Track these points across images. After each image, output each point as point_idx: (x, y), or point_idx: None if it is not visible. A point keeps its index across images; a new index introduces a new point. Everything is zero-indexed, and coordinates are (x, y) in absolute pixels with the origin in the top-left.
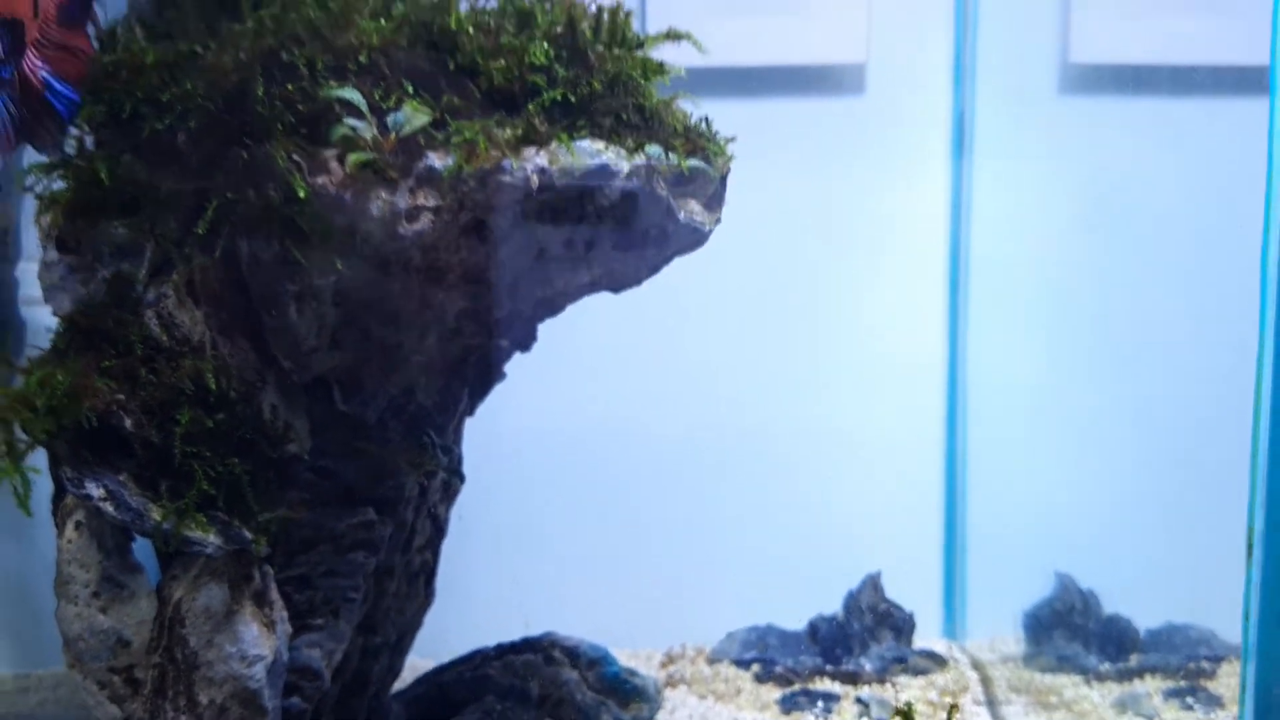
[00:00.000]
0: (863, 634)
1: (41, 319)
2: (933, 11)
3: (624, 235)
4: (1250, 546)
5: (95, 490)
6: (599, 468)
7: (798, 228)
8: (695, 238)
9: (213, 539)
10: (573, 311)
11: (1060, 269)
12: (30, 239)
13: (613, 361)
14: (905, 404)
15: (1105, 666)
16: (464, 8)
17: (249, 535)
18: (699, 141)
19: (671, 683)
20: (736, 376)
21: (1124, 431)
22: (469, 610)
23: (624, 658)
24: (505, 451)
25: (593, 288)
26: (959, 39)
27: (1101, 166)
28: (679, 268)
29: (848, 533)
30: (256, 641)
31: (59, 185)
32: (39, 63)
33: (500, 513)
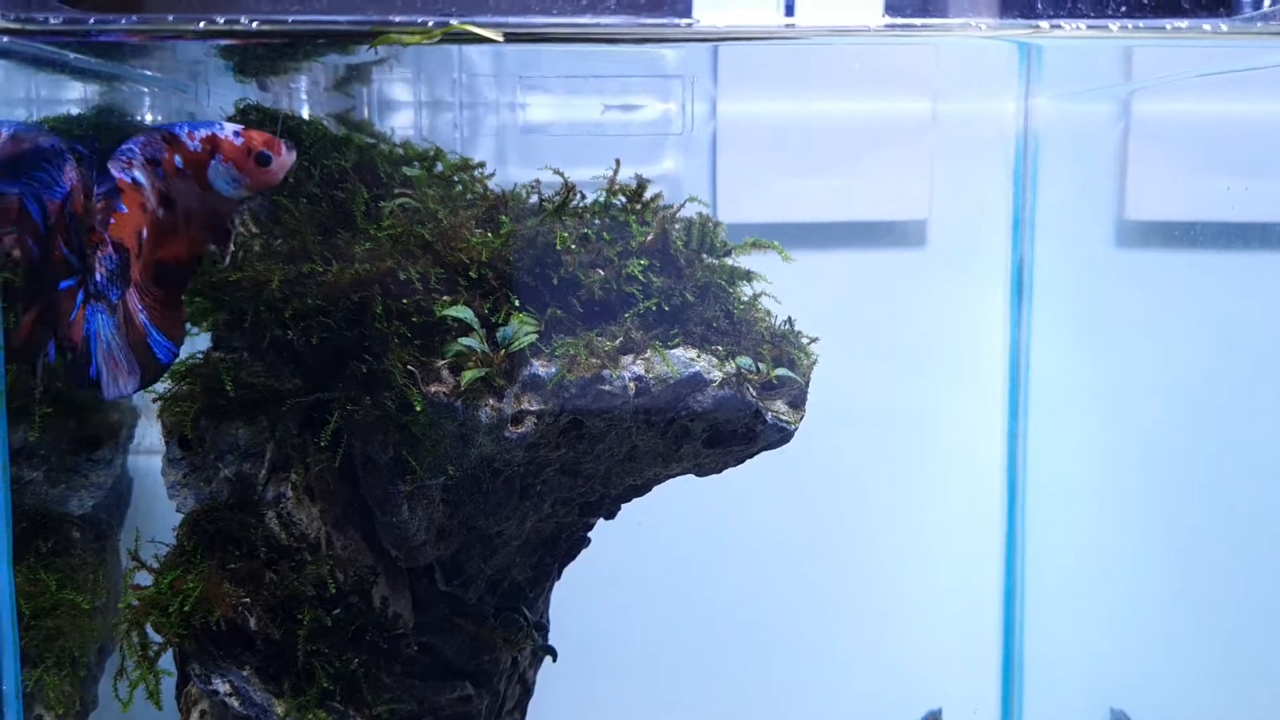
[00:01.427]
0: None
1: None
2: (991, 173)
3: (713, 435)
4: None
5: (222, 686)
6: (661, 610)
7: (866, 361)
8: (782, 436)
9: None
10: None
11: (1115, 410)
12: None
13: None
14: (964, 540)
15: None
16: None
17: None
18: (784, 347)
19: None
20: (795, 512)
21: (1182, 570)
22: None
23: None
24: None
25: (680, 475)
26: (1018, 197)
27: (1154, 313)
28: None
29: (908, 668)
30: None
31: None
32: (139, 306)
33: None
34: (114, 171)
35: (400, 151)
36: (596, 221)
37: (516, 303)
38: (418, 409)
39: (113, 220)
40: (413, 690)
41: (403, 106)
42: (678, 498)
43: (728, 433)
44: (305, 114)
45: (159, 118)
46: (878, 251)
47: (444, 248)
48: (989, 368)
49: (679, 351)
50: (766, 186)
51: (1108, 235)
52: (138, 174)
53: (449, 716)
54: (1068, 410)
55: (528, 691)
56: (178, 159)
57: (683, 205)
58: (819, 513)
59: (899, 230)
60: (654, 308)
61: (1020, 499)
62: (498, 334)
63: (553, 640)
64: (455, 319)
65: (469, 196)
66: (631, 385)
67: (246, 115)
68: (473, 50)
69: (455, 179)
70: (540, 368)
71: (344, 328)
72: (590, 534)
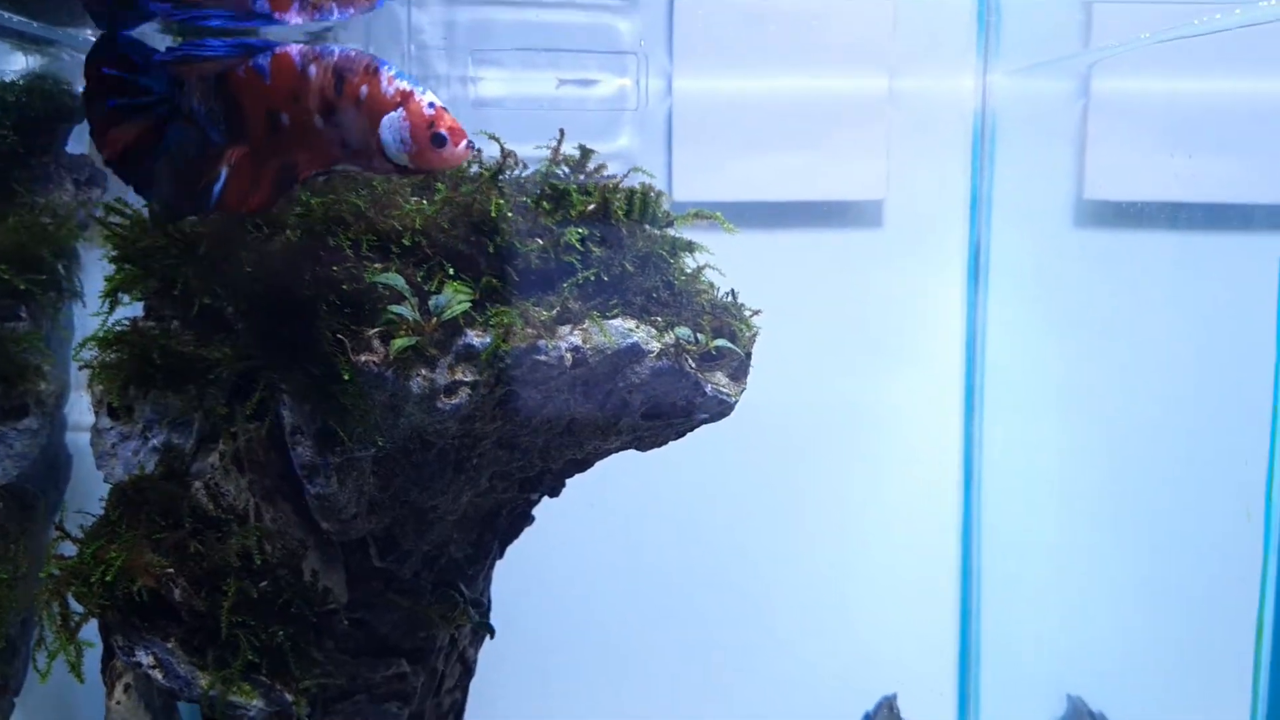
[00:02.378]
0: None
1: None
2: (949, 152)
3: (652, 407)
4: None
5: (145, 658)
6: (617, 591)
7: (821, 345)
8: (722, 408)
9: (256, 704)
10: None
11: (1071, 391)
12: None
13: (628, 482)
14: (921, 527)
15: None
16: (506, 175)
17: (290, 698)
18: (725, 319)
19: None
20: (752, 497)
21: (1138, 556)
22: None
23: None
24: (526, 577)
25: (622, 449)
26: (975, 176)
27: (1110, 293)
28: None
29: (865, 655)
30: None
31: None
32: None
33: (527, 634)
34: (292, 52)
35: None
36: (538, 191)
37: (451, 271)
38: (346, 378)
39: (243, 77)
40: (346, 666)
41: None
42: (634, 481)
43: (667, 405)
44: None
45: None
46: (834, 232)
47: (377, 215)
48: (946, 350)
49: (617, 322)
50: (722, 164)
51: (1066, 215)
52: (313, 68)
53: (384, 694)
54: (1024, 394)
55: (469, 670)
56: (364, 89)
57: (626, 176)
58: (776, 498)
59: (855, 210)
60: (593, 278)
61: (977, 484)
62: (430, 302)
63: (504, 621)
64: (386, 286)
65: None
66: (568, 356)
67: None
68: (423, 20)
69: None
70: (474, 338)
71: (274, 295)
72: (534, 511)
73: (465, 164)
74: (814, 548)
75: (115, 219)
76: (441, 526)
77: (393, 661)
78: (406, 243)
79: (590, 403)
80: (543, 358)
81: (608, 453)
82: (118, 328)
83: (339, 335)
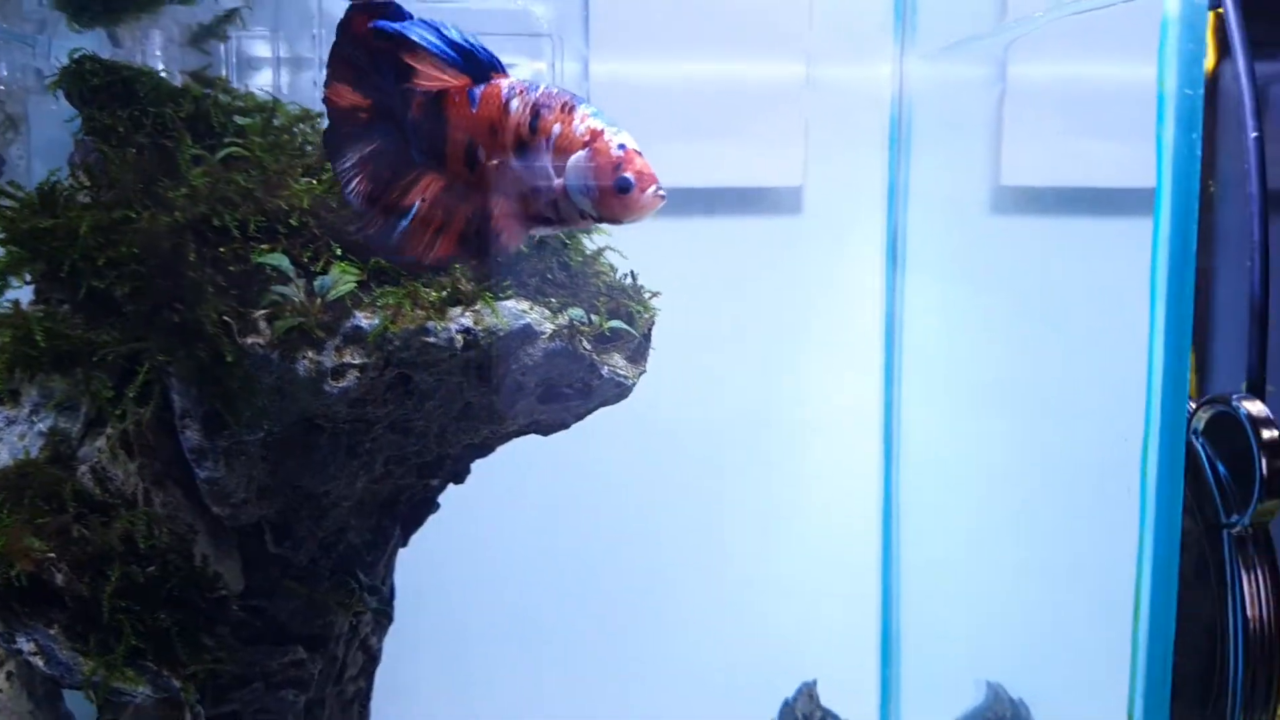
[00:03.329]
0: None
1: None
2: (867, 138)
3: (548, 390)
4: None
5: (26, 645)
6: (538, 579)
7: (740, 332)
8: (619, 390)
9: (142, 689)
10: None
11: (989, 376)
12: None
13: (542, 464)
14: (841, 514)
15: None
16: None
17: (178, 684)
18: (622, 301)
19: None
20: (668, 483)
21: (1049, 542)
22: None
23: None
24: (441, 563)
25: (520, 433)
26: (893, 162)
27: (1025, 279)
28: None
29: (785, 642)
30: None
31: None
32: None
33: (439, 624)
34: (502, 84)
35: (240, 104)
36: None
37: (339, 251)
38: (229, 360)
39: (455, 99)
40: (242, 654)
41: (264, 64)
42: (552, 470)
43: (563, 387)
44: (163, 72)
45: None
46: (753, 218)
47: (265, 195)
48: (866, 336)
49: (510, 303)
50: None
51: (983, 201)
52: (515, 103)
53: (281, 681)
54: (944, 380)
55: (373, 659)
56: (557, 126)
57: None
58: (695, 484)
59: (774, 197)
60: None
61: (897, 471)
62: (316, 283)
63: (417, 612)
64: (272, 267)
65: (308, 148)
66: (459, 337)
67: (81, 65)
68: (334, 4)
69: (295, 129)
70: (363, 319)
71: (158, 276)
72: (449, 500)
73: None
74: (734, 535)
75: (2, 201)
76: (337, 512)
77: (290, 649)
78: (294, 223)
79: (484, 385)
80: (432, 339)
81: (507, 437)
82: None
83: (225, 318)
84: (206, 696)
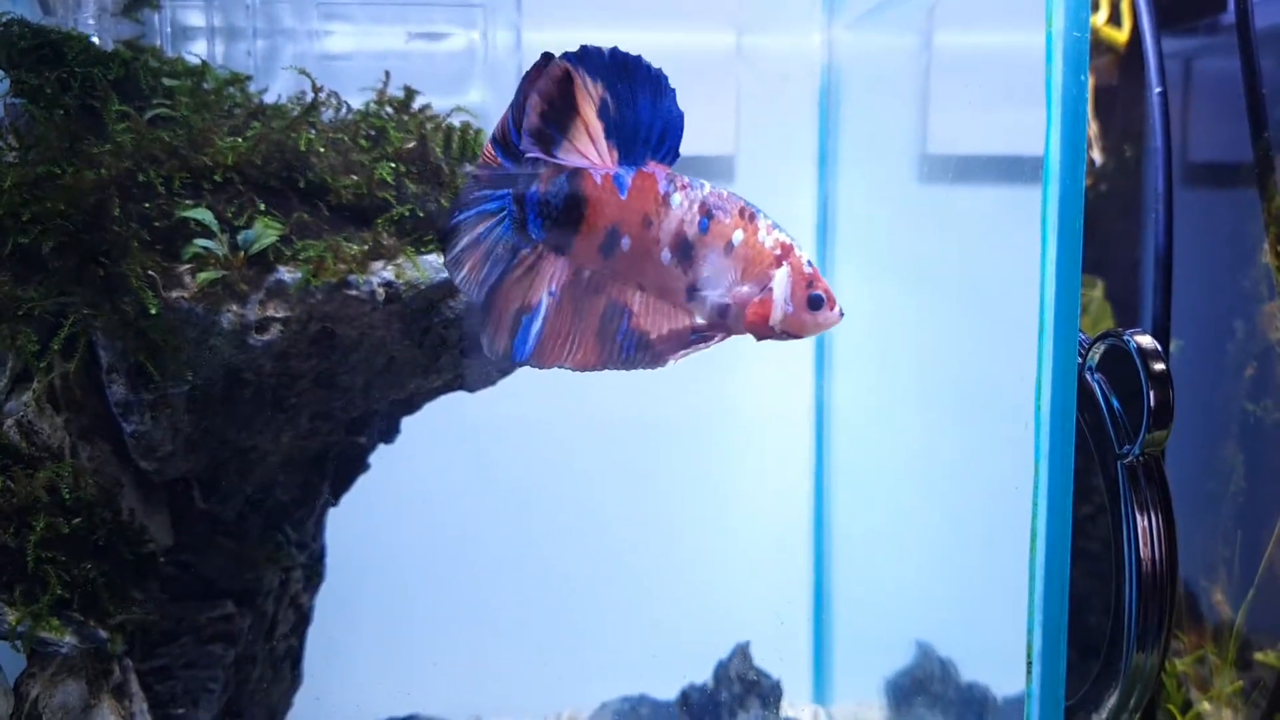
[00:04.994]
0: (731, 703)
1: None
2: (797, 107)
3: (472, 344)
4: (1030, 664)
5: None
6: (476, 542)
7: None
8: None
9: (68, 639)
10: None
11: (916, 344)
12: None
13: (484, 435)
14: (775, 477)
15: None
16: (327, 116)
17: (104, 635)
18: None
19: None
20: (605, 448)
21: (975, 504)
22: (353, 685)
23: None
24: (380, 527)
25: (446, 389)
26: (823, 132)
27: (954, 250)
28: None
29: (722, 601)
30: None
31: None
32: (552, 286)
33: (379, 587)
34: (659, 175)
35: (169, 68)
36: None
37: (262, 207)
38: (154, 313)
39: (595, 181)
40: (171, 609)
41: (198, 34)
42: (491, 435)
43: None
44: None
45: None
46: None
47: (190, 152)
48: None
49: (432, 257)
50: None
51: (910, 170)
52: (677, 197)
53: (209, 635)
54: (873, 347)
55: (304, 618)
56: (738, 234)
57: (449, 115)
58: (631, 449)
59: (705, 166)
60: (408, 213)
61: (828, 436)
62: (239, 237)
63: (358, 576)
64: (196, 221)
65: (236, 110)
66: (381, 291)
67: (9, 29)
68: None
69: (225, 92)
70: (285, 273)
71: (84, 232)
72: (370, 460)
73: (290, 107)
74: (667, 499)
75: None
76: (265, 468)
77: (219, 604)
78: (219, 179)
79: (408, 339)
80: (354, 292)
81: (433, 393)
82: None
83: (150, 272)
84: (135, 650)
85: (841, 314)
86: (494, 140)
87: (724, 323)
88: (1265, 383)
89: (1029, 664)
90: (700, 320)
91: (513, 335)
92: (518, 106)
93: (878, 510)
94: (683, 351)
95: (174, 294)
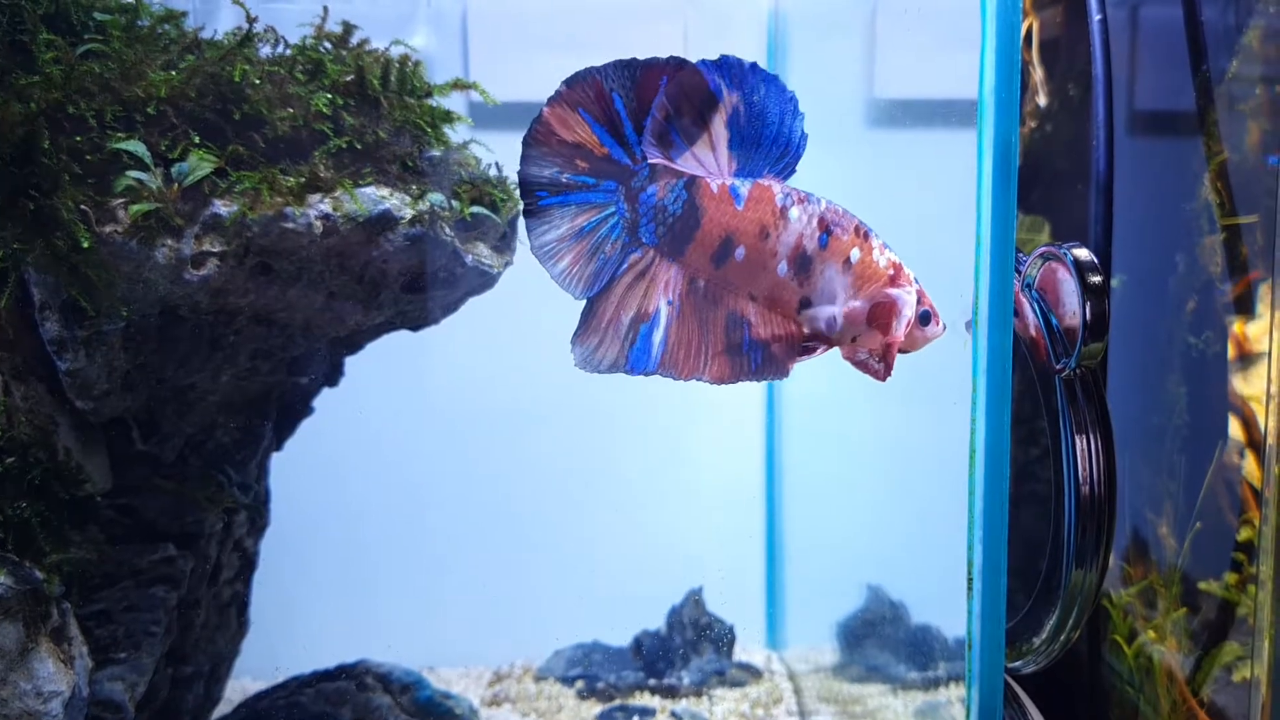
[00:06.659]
0: (684, 648)
1: None
2: (745, 54)
3: (412, 278)
4: (970, 580)
5: None
6: (428, 490)
7: None
8: (484, 280)
9: (2, 580)
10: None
11: None
12: None
13: (434, 383)
14: (727, 425)
15: (912, 675)
16: (265, 52)
17: (40, 575)
18: (486, 189)
19: (495, 701)
20: (560, 398)
21: (922, 447)
22: (305, 633)
23: (454, 677)
24: (330, 477)
25: (389, 326)
26: None
27: (900, 189)
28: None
29: (676, 549)
30: (53, 678)
31: None
32: (669, 296)
33: (331, 536)
34: (775, 188)
35: (100, 3)
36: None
37: (196, 139)
38: (87, 247)
39: (712, 190)
40: (111, 552)
41: None
42: (448, 388)
43: (428, 275)
44: None
45: None
46: None
47: (122, 84)
48: None
49: (370, 190)
50: (520, 64)
51: (858, 115)
52: (795, 211)
53: (151, 578)
54: None
55: (250, 563)
56: (855, 251)
57: (387, 48)
58: (585, 398)
59: None
60: (345, 146)
61: (778, 386)
62: (173, 169)
63: (303, 521)
64: (129, 154)
65: (171, 46)
66: (318, 224)
67: None
68: None
69: (160, 29)
70: (221, 207)
71: (12, 165)
72: (314, 403)
73: (226, 41)
74: (622, 449)
75: None
76: (204, 408)
77: (160, 546)
78: (151, 112)
79: (347, 274)
80: (291, 225)
81: (376, 331)
82: None
83: (82, 206)
84: (74, 594)
85: (945, 328)
86: (594, 122)
87: (828, 335)
88: (1206, 316)
89: (969, 580)
90: (806, 330)
91: (628, 344)
92: (630, 95)
93: (827, 457)
94: (794, 362)
95: (107, 228)
